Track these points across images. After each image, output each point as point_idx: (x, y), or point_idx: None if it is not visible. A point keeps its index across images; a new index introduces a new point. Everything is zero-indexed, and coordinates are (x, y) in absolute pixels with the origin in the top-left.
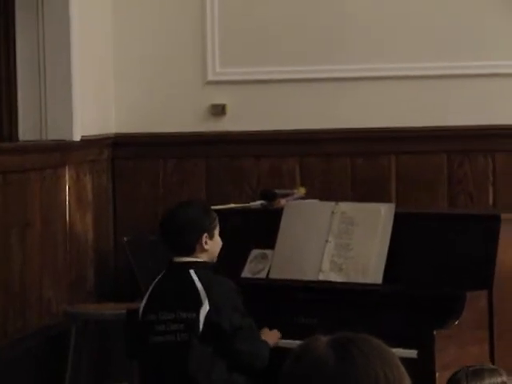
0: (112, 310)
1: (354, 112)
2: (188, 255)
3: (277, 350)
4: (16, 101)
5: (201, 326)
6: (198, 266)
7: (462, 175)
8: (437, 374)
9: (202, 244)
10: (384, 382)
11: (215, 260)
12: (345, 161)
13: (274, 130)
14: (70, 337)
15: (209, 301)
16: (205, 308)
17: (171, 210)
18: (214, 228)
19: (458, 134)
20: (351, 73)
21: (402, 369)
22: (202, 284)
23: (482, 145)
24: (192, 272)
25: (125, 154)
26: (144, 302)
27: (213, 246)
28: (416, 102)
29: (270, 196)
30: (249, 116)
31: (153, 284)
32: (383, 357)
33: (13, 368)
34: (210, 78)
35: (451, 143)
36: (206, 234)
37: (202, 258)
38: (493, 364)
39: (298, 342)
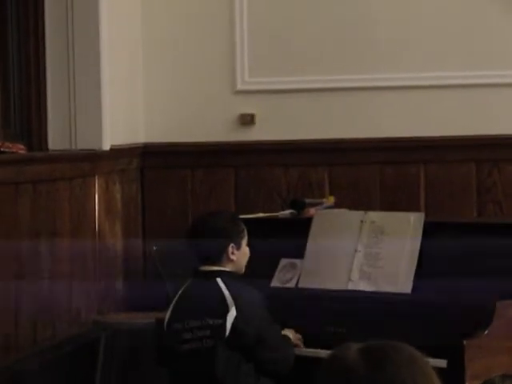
0: (141, 319)
1: (382, 121)
2: (214, 264)
3: (304, 359)
4: (45, 111)
5: (227, 331)
6: (225, 275)
7: (491, 184)
8: None
9: (228, 254)
10: None
11: (242, 271)
12: (373, 170)
13: (303, 140)
14: (99, 346)
15: (236, 308)
16: (232, 314)
17: (199, 218)
18: (241, 239)
19: (487, 143)
20: (380, 82)
21: (434, 378)
22: (230, 291)
23: (511, 154)
24: (219, 280)
25: (154, 163)
26: (169, 312)
27: (239, 256)
28: (445, 111)
29: (299, 205)
30: (278, 125)
31: (178, 293)
32: (413, 365)
33: (42, 377)
34: (239, 87)
35: (480, 152)
36: (232, 245)
37: (228, 268)
38: None
39: (326, 352)
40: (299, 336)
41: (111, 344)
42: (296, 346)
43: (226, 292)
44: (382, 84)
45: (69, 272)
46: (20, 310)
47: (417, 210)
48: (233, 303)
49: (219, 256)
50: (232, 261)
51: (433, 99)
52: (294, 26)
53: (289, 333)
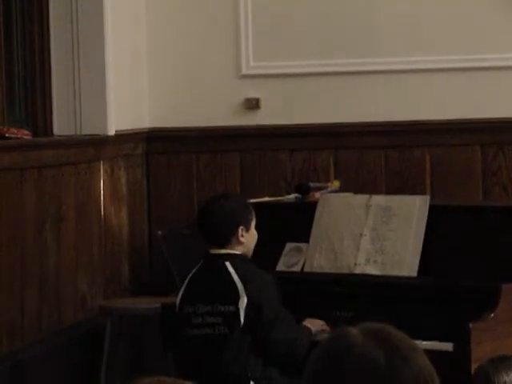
0: (147, 304)
1: (387, 105)
2: (224, 247)
3: (312, 344)
4: (50, 96)
5: (242, 319)
6: (234, 258)
7: (497, 167)
8: (473, 367)
9: (238, 237)
10: (427, 371)
11: (251, 253)
12: (378, 154)
13: (308, 124)
14: (105, 331)
15: (246, 293)
16: (243, 300)
17: (208, 201)
18: (250, 221)
19: (492, 126)
20: (385, 66)
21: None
22: (239, 276)
23: None
24: (228, 264)
25: (159, 148)
26: (180, 294)
27: (249, 238)
28: (449, 95)
29: (304, 189)
30: (282, 110)
31: (189, 276)
32: (415, 348)
33: (48, 362)
34: (244, 71)
35: (485, 135)
36: (242, 227)
37: (237, 250)
38: None
39: None
40: (321, 322)
41: (117, 329)
42: (323, 331)
43: (236, 277)
44: (388, 68)
45: (74, 257)
46: (26, 296)
47: (422, 193)
48: (243, 289)
49: (229, 238)
50: (242, 243)
51: (438, 82)
52: (298, 10)
53: (308, 323)
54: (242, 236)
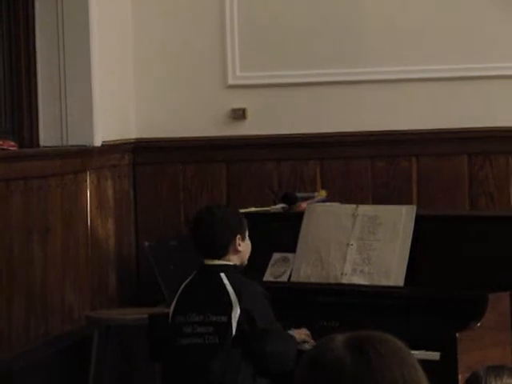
0: (134, 314)
1: (373, 114)
2: (220, 258)
3: (299, 353)
4: (37, 107)
5: (233, 330)
6: (229, 270)
7: (483, 177)
8: (459, 376)
9: (235, 246)
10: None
11: (245, 262)
12: (365, 163)
13: (295, 134)
14: (92, 342)
15: (240, 305)
16: (236, 312)
17: (203, 213)
18: (245, 230)
19: (479, 136)
20: (371, 75)
21: (420, 370)
22: (233, 287)
23: (503, 146)
24: (223, 275)
25: (146, 158)
26: (173, 304)
27: (245, 247)
28: (436, 104)
29: (290, 199)
30: (269, 120)
31: (182, 287)
32: (400, 357)
33: (35, 373)
34: (231, 82)
35: (472, 145)
36: (239, 236)
37: (233, 260)
38: None
39: None
40: (305, 331)
41: (104, 340)
42: (304, 342)
43: (230, 288)
44: (373, 77)
45: (61, 268)
46: (12, 306)
47: (409, 203)
48: (237, 301)
49: (227, 248)
50: (239, 252)
51: (424, 92)
52: (284, 20)
53: (292, 332)
54: (239, 245)
